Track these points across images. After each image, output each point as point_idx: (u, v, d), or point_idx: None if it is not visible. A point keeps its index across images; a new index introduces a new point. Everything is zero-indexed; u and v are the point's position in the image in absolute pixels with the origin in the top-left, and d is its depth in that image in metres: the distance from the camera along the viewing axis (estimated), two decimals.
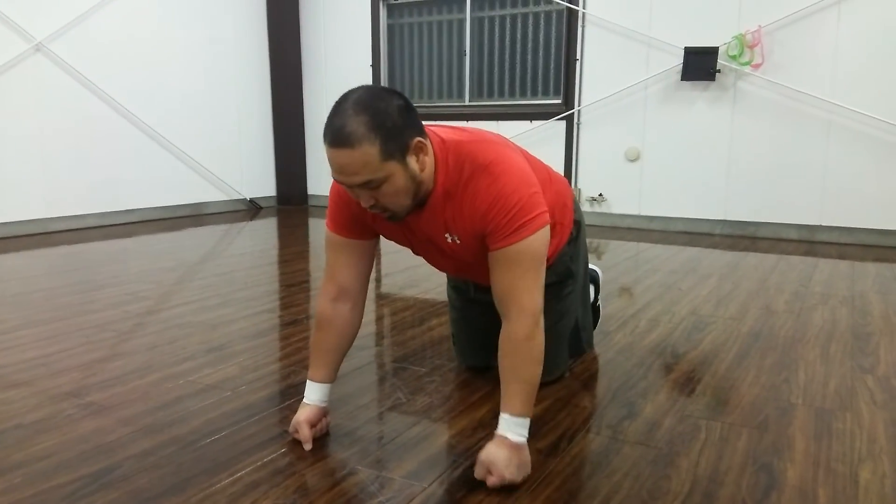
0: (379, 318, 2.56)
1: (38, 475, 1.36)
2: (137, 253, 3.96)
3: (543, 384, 1.83)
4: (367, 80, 5.82)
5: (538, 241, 1.36)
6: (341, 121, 1.23)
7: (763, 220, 4.55)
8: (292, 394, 1.79)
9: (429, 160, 1.34)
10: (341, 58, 5.96)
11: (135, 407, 1.71)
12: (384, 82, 5.82)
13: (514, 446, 1.33)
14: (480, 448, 1.49)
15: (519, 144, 1.61)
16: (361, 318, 1.58)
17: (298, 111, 6.21)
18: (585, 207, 5.13)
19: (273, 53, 6.11)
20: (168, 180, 5.48)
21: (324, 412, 1.54)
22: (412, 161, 1.30)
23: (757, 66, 4.35)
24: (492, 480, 1.30)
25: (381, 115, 1.23)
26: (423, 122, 1.37)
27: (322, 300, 1.54)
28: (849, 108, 4.17)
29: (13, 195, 4.49)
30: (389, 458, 1.45)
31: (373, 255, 1.57)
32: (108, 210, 5.07)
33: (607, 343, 2.26)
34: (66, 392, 1.80)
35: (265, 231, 4.95)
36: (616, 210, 5.04)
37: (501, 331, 1.39)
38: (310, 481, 1.35)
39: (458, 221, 1.41)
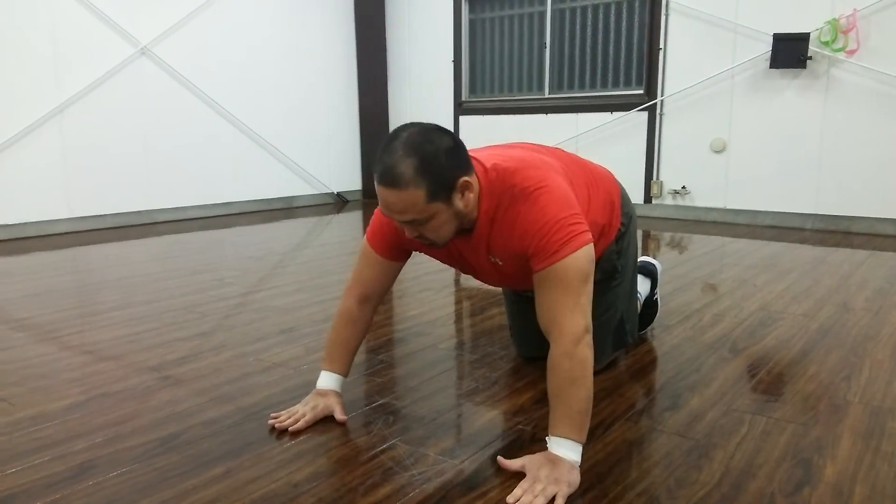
0: (442, 307, 2.64)
1: (116, 437, 1.53)
2: (231, 243, 4.23)
3: None
4: (450, 76, 5.92)
5: (579, 261, 1.35)
6: (391, 160, 1.29)
7: (857, 215, 4.32)
8: None
9: (473, 195, 1.38)
10: (424, 55, 6.09)
11: (206, 381, 1.87)
12: (465, 77, 5.90)
13: (555, 458, 1.31)
14: (517, 431, 1.55)
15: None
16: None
17: (383, 108, 6.39)
18: (667, 201, 5.03)
19: (360, 53, 6.31)
20: (262, 175, 5.79)
21: (340, 399, 1.63)
22: (457, 199, 1.35)
23: (851, 53, 4.12)
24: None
25: (429, 158, 1.29)
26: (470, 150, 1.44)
27: (349, 300, 1.64)
28: None
29: (122, 188, 4.89)
30: (428, 435, 1.53)
31: (399, 271, 1.66)
32: (208, 203, 5.42)
33: (665, 336, 2.25)
34: (149, 366, 1.99)
35: (350, 223, 5.15)
36: (700, 203, 4.91)
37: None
38: (351, 453, 1.45)
39: (500, 246, 1.46)
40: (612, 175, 1.87)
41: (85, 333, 2.32)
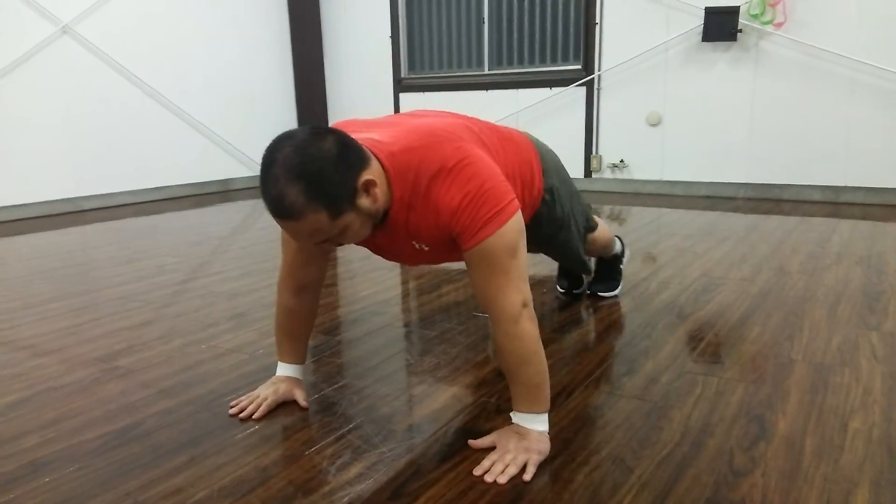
0: (395, 286, 2.63)
1: (69, 431, 1.47)
2: (166, 229, 4.09)
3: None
4: (388, 53, 5.84)
5: (505, 236, 1.27)
6: (276, 191, 1.15)
7: (787, 182, 4.50)
8: None
9: (380, 188, 1.25)
10: (360, 30, 5.98)
11: (158, 370, 1.81)
12: (403, 54, 5.84)
13: (523, 430, 1.34)
14: (482, 403, 1.56)
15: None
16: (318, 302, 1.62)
17: (320, 86, 6.27)
18: (607, 174, 5.12)
19: (294, 29, 6.16)
20: (196, 158, 5.60)
21: (300, 385, 1.61)
22: (364, 200, 1.22)
23: (779, 25, 4.27)
24: (493, 469, 1.27)
25: (316, 177, 1.15)
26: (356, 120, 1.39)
27: (285, 294, 1.56)
28: (874, 65, 4.08)
29: (46, 175, 4.65)
30: (394, 413, 1.52)
31: (329, 250, 1.53)
32: (139, 188, 5.22)
33: (616, 305, 2.30)
34: (95, 358, 1.91)
35: None
36: (638, 176, 5.02)
37: None
38: (318, 434, 1.43)
39: (423, 230, 1.34)
40: (531, 144, 1.76)
41: (21, 327, 2.21)
